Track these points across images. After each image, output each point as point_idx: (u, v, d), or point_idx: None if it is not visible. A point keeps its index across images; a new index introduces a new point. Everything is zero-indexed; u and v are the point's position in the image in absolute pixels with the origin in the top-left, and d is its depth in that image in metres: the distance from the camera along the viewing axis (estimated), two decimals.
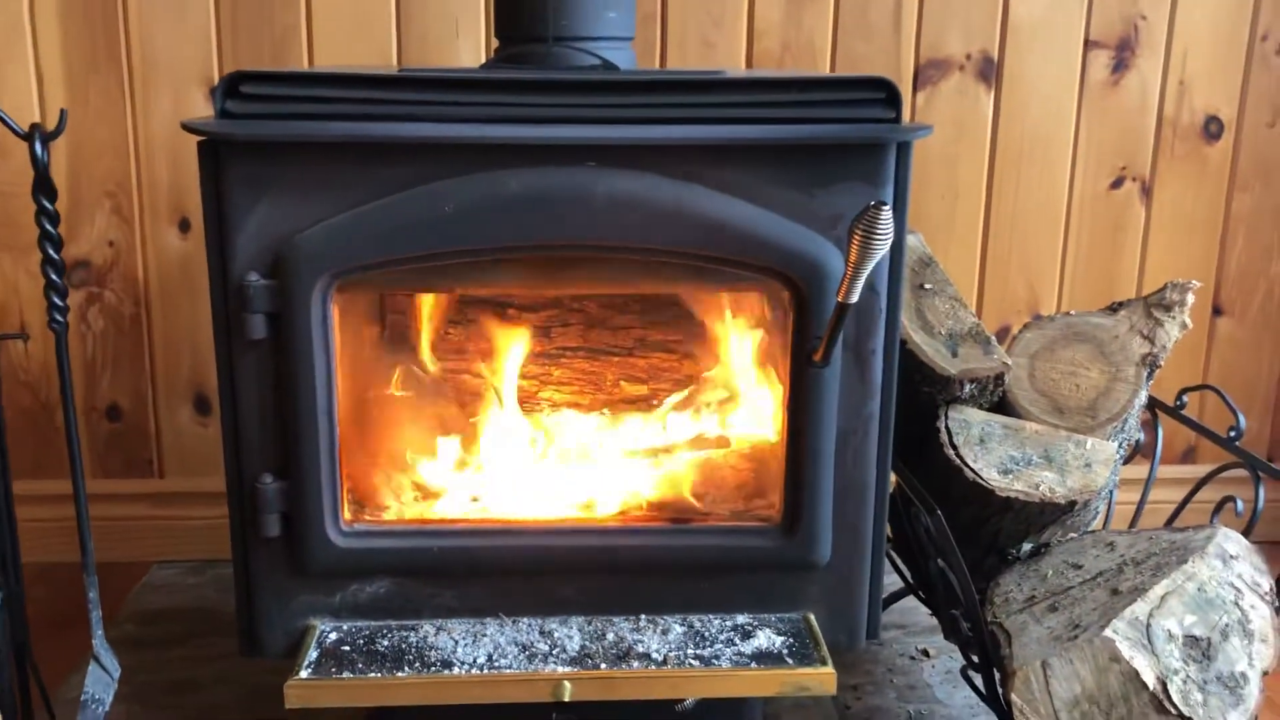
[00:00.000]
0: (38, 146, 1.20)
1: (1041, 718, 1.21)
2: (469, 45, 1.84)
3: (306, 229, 1.22)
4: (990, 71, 1.91)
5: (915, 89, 1.90)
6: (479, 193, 1.22)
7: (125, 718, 1.51)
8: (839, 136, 1.24)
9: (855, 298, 1.16)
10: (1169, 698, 1.17)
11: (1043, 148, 1.95)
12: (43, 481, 1.92)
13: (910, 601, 1.66)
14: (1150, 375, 1.49)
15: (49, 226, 1.23)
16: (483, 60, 1.84)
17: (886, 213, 1.09)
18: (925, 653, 1.71)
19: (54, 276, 1.25)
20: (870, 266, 1.13)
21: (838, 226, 1.25)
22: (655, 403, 1.53)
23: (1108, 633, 1.19)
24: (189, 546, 1.99)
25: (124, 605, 1.83)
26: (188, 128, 1.19)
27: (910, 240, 1.49)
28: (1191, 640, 1.21)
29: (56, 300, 1.26)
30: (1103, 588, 1.28)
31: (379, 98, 1.22)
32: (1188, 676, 1.19)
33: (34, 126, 1.21)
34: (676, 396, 1.52)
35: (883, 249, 1.11)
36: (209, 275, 1.25)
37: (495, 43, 1.44)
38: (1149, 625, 1.21)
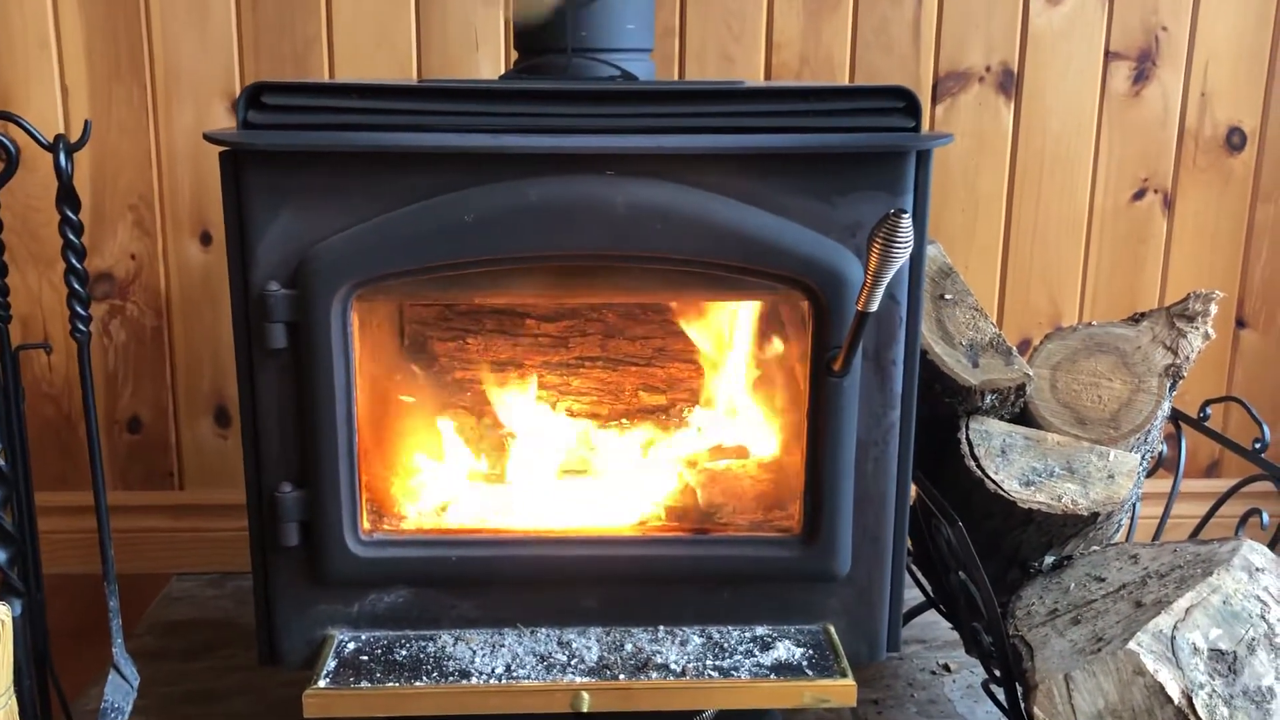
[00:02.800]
0: (61, 157, 1.22)
1: None
2: (488, 57, 1.85)
3: (327, 238, 1.23)
4: (1010, 83, 1.90)
5: (934, 101, 1.90)
6: (499, 203, 1.22)
7: None
8: (859, 145, 1.24)
9: (875, 306, 1.16)
10: (1194, 712, 1.16)
11: (1063, 159, 1.94)
12: (64, 493, 1.92)
13: (930, 616, 1.65)
14: (1173, 387, 1.47)
15: (73, 237, 1.24)
16: (502, 72, 1.85)
17: (906, 220, 1.09)
18: (946, 667, 1.69)
19: (77, 286, 1.26)
20: (890, 275, 1.13)
21: (857, 235, 1.25)
22: (674, 413, 1.53)
23: (1131, 645, 1.18)
24: (208, 558, 1.99)
25: (143, 617, 1.83)
26: (210, 138, 1.20)
27: (930, 250, 1.49)
28: (1217, 654, 1.19)
29: (80, 310, 1.27)
30: (1126, 600, 1.27)
31: (400, 108, 1.22)
32: (1213, 690, 1.17)
33: (58, 138, 1.22)
34: (695, 406, 1.52)
35: (903, 257, 1.11)
36: (230, 284, 1.25)
37: (514, 55, 1.45)
38: (1174, 638, 1.20)
